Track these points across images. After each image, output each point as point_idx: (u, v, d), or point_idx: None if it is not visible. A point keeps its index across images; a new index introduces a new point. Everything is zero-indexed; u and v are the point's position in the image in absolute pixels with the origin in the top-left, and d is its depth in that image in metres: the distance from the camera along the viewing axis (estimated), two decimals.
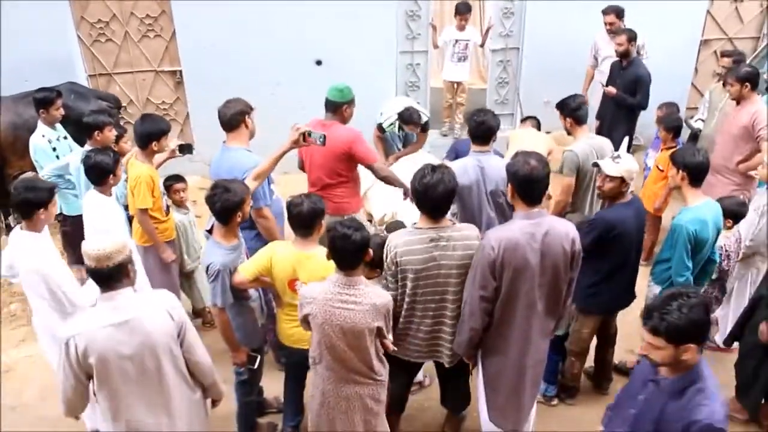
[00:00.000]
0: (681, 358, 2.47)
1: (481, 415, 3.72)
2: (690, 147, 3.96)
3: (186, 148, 4.68)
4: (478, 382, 3.72)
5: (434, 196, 3.28)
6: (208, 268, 3.54)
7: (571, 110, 4.80)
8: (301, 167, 5.05)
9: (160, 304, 3.02)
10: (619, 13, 7.04)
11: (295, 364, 3.90)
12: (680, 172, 3.88)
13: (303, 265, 3.52)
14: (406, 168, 5.37)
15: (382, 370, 3.33)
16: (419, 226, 3.40)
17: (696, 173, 3.88)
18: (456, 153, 5.60)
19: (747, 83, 5.29)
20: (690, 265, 3.89)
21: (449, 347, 3.59)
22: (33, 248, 3.59)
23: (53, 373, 4.58)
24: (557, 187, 4.72)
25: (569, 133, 4.95)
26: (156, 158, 4.62)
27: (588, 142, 4.76)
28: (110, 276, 2.84)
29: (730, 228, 4.49)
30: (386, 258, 3.43)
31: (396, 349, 3.41)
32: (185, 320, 3.06)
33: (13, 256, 3.66)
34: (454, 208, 4.30)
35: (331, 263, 3.18)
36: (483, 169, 4.26)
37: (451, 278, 3.41)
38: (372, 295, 3.11)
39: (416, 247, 3.36)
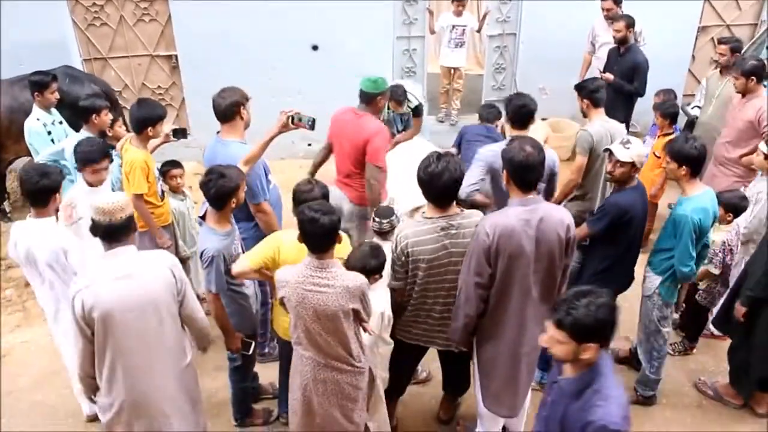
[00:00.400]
0: (581, 356, 2.45)
1: (477, 400, 3.73)
2: (685, 138, 3.93)
3: (180, 133, 4.64)
4: (473, 369, 3.74)
5: (440, 185, 3.26)
6: (202, 254, 3.53)
7: (590, 92, 4.85)
8: (330, 151, 5.03)
9: (162, 261, 3.15)
10: None
11: (290, 355, 3.89)
12: (682, 167, 3.86)
13: None
14: (403, 157, 5.35)
15: (362, 358, 3.31)
16: (428, 216, 3.39)
17: (696, 166, 3.88)
18: (460, 138, 5.58)
19: (753, 77, 5.21)
20: (694, 254, 3.89)
21: None
22: (52, 231, 3.60)
23: (49, 358, 4.62)
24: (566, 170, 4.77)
25: (585, 115, 4.99)
26: (151, 143, 4.59)
27: (603, 125, 4.80)
28: (119, 230, 2.97)
29: (730, 222, 4.50)
30: (395, 249, 3.43)
31: (373, 333, 3.40)
32: (185, 279, 3.19)
33: (29, 245, 3.63)
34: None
35: (341, 247, 3.19)
36: None
37: (460, 265, 3.40)
38: (344, 278, 3.09)
39: (427, 237, 3.35)
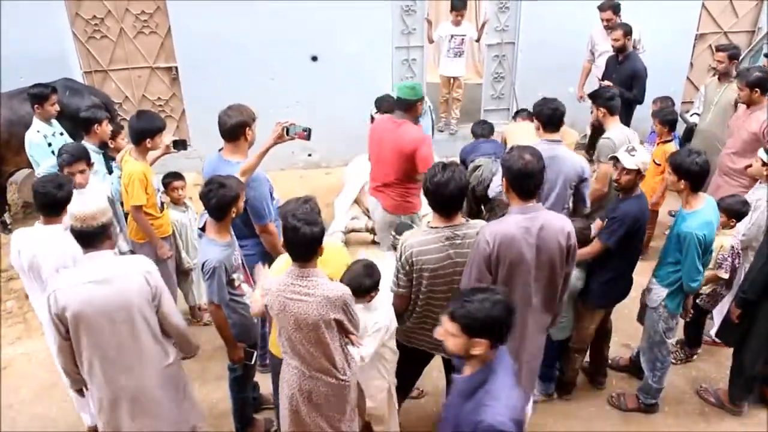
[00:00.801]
0: (471, 351, 2.46)
1: None
2: (688, 152, 3.91)
3: (180, 144, 4.65)
4: None
5: (446, 194, 3.27)
6: (203, 265, 3.53)
7: (606, 100, 4.90)
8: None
9: (137, 267, 3.18)
10: (616, 8, 7.02)
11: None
12: (681, 180, 3.87)
13: None
14: None
15: (347, 371, 3.25)
16: (434, 225, 3.40)
17: (697, 180, 3.88)
18: (464, 158, 5.67)
19: (757, 88, 5.17)
20: (701, 269, 3.89)
21: None
22: (61, 238, 3.60)
23: (49, 370, 4.61)
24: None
25: (600, 124, 5.02)
26: (151, 155, 4.61)
27: (623, 132, 4.85)
28: (93, 236, 3.05)
29: (733, 227, 4.50)
30: (400, 257, 3.43)
31: (359, 344, 3.37)
32: (160, 285, 3.22)
33: (36, 251, 3.62)
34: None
35: (335, 258, 3.20)
36: (552, 158, 4.21)
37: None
38: (325, 287, 3.06)
39: (432, 247, 3.36)
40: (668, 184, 4.07)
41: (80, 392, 3.42)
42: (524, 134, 5.57)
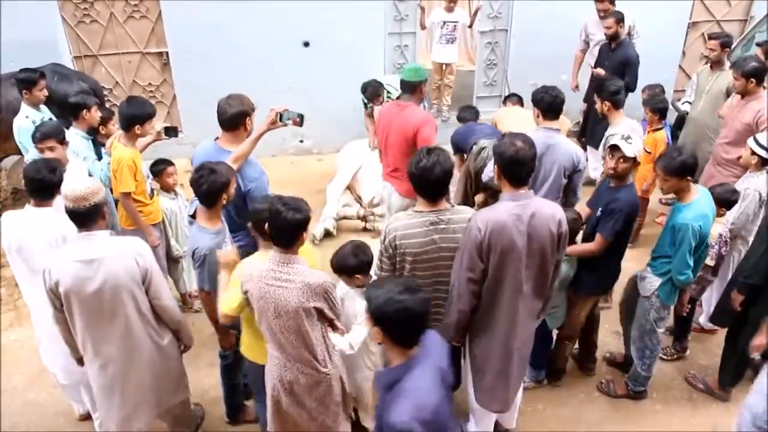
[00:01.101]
0: (377, 341, 2.49)
1: (469, 396, 3.75)
2: (670, 153, 3.92)
3: (171, 131, 4.62)
4: (465, 364, 3.75)
5: (431, 179, 3.28)
6: (194, 253, 3.52)
7: (611, 93, 4.85)
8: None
9: (128, 249, 3.27)
10: None
11: (259, 379, 3.64)
12: (672, 179, 3.87)
13: None
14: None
15: (329, 363, 3.24)
16: (419, 210, 3.41)
17: (689, 174, 3.89)
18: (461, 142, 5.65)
19: (753, 78, 5.17)
20: (691, 263, 3.89)
21: None
22: (52, 219, 3.62)
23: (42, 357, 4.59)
24: None
25: (604, 117, 4.96)
26: (141, 141, 4.58)
27: (630, 125, 4.82)
28: (86, 216, 3.14)
29: (723, 215, 4.52)
30: (383, 240, 3.44)
31: (342, 330, 3.35)
32: (151, 267, 3.30)
33: (26, 233, 3.62)
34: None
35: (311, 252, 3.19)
36: (550, 146, 4.30)
37: (448, 260, 3.42)
38: (306, 274, 3.05)
39: (416, 231, 3.37)
40: (664, 188, 4.03)
41: (80, 361, 3.49)
42: (515, 119, 5.59)
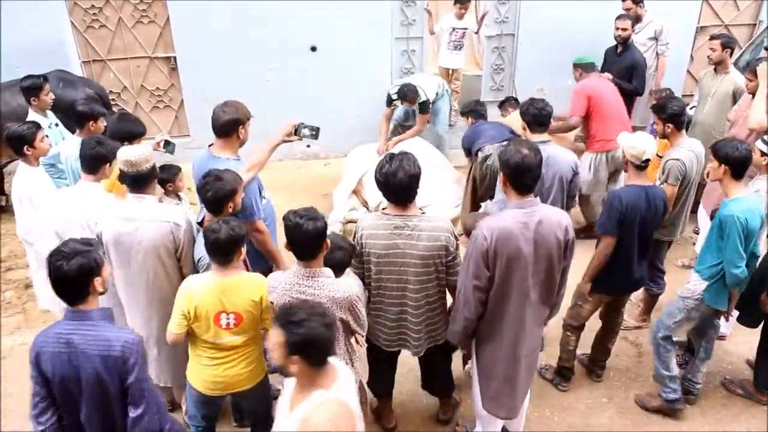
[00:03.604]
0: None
1: (474, 402, 3.74)
2: (733, 143, 3.88)
3: (169, 146, 4.61)
4: (472, 370, 3.74)
5: (395, 184, 3.31)
6: (199, 260, 3.52)
7: (672, 115, 4.54)
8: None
9: (168, 216, 3.57)
10: None
11: (208, 418, 3.62)
12: (721, 165, 3.85)
13: (229, 293, 3.20)
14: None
15: (351, 370, 3.16)
16: (387, 212, 3.46)
17: (738, 167, 3.85)
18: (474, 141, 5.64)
19: None
20: (744, 255, 3.82)
21: (416, 337, 3.64)
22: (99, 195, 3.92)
23: None
24: None
25: (663, 136, 4.69)
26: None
27: (691, 149, 4.59)
28: (142, 178, 3.52)
29: None
30: (354, 236, 3.52)
31: (364, 345, 3.38)
32: (185, 240, 3.58)
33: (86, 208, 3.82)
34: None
35: (259, 284, 3.17)
36: (546, 160, 4.22)
37: (413, 267, 3.44)
38: (331, 287, 3.04)
39: (380, 232, 3.42)
40: (711, 175, 3.99)
41: None
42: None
